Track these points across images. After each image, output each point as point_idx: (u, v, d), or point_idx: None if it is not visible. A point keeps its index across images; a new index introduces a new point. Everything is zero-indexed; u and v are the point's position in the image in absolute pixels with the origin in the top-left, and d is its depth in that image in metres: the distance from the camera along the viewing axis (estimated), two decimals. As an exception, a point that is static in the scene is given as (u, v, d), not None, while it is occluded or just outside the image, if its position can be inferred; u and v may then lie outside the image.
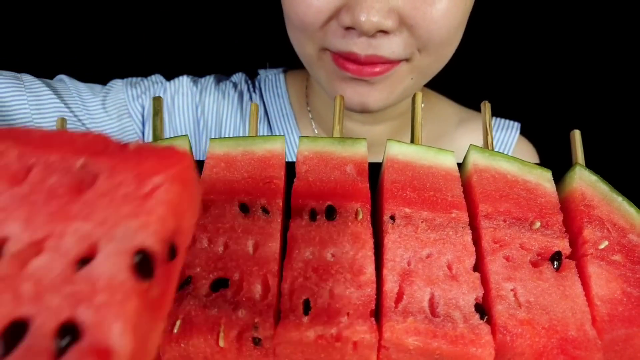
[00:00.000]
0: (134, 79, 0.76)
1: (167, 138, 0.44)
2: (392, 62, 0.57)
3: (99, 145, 0.26)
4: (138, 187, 0.24)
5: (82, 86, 0.71)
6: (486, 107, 0.48)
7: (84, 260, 0.22)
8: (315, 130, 0.78)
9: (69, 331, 0.20)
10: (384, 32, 0.54)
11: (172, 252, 0.23)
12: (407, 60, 0.58)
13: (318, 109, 0.77)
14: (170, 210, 0.23)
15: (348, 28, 0.54)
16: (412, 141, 0.46)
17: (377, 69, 0.57)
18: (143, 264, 0.22)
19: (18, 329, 0.20)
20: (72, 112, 0.68)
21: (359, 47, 0.55)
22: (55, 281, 0.22)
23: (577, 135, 0.46)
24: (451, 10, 0.55)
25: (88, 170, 0.25)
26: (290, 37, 0.63)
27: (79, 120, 0.69)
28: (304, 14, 0.56)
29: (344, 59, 0.57)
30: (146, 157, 0.25)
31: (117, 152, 0.26)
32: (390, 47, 0.55)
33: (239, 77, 0.81)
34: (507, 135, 0.78)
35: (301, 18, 0.56)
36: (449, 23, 0.55)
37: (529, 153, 0.79)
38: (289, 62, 0.81)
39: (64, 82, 0.71)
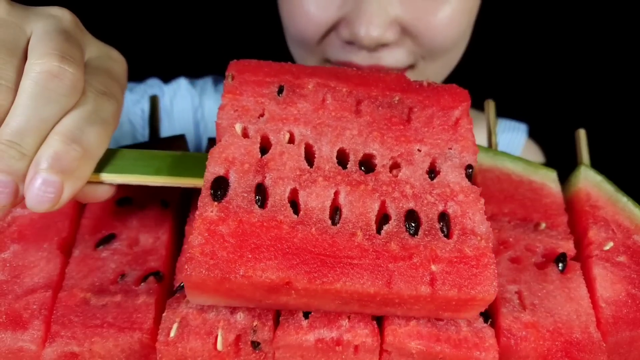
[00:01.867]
0: (131, 84, 0.75)
1: (164, 137, 0.44)
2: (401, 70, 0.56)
3: (402, 83, 0.34)
4: (446, 118, 0.32)
5: None
6: (490, 105, 0.47)
7: (431, 171, 0.31)
8: None
9: (444, 218, 0.29)
10: (385, 44, 0.52)
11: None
12: (411, 67, 0.57)
13: None
14: (472, 136, 0.32)
15: (348, 42, 0.53)
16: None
17: None
18: (471, 175, 0.30)
19: (412, 216, 0.29)
20: None
21: (360, 58, 0.53)
22: (423, 185, 0.30)
23: (582, 134, 0.46)
24: (455, 17, 0.53)
25: (403, 104, 0.33)
26: (292, 51, 0.62)
27: None
28: (303, 28, 0.54)
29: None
30: (442, 94, 0.33)
31: (418, 89, 0.33)
32: (393, 56, 0.54)
33: None
34: (515, 137, 0.77)
35: (301, 32, 0.55)
36: (453, 31, 0.54)
37: (537, 157, 0.78)
38: (288, 62, 0.80)
39: None
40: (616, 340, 0.35)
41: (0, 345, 0.32)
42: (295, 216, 0.29)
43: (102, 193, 0.33)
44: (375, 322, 0.33)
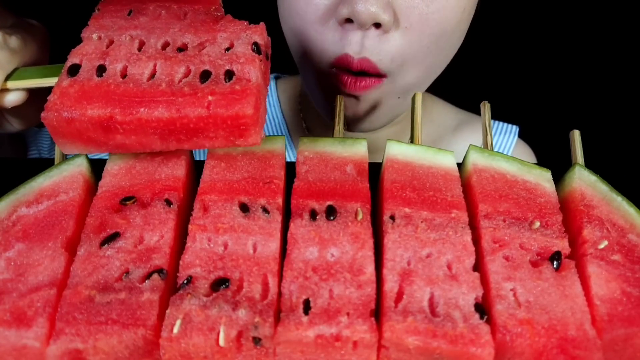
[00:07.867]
0: None
1: None
2: (379, 77, 0.57)
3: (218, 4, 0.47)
4: (245, 26, 0.44)
5: None
6: (486, 107, 0.48)
7: (228, 48, 0.42)
8: None
9: (229, 73, 0.40)
10: (379, 26, 0.53)
11: (267, 56, 0.44)
12: (386, 76, 0.57)
13: (312, 117, 0.76)
14: (263, 27, 0.44)
15: (346, 20, 0.54)
16: (411, 141, 0.46)
17: (364, 83, 0.57)
18: (258, 49, 0.42)
19: (206, 73, 0.41)
20: None
21: (353, 48, 0.55)
22: (218, 55, 0.42)
23: (576, 135, 0.46)
24: (447, 11, 0.53)
25: (214, 15, 0.46)
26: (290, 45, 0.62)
27: None
28: (303, 12, 0.56)
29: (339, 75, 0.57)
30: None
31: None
32: (379, 53, 0.55)
33: None
34: (506, 139, 0.78)
35: (301, 16, 0.56)
36: (443, 27, 0.54)
37: (527, 157, 0.78)
38: (281, 68, 0.80)
39: None
40: (611, 338, 0.35)
41: (4, 342, 0.33)
42: (122, 79, 0.40)
43: (10, 100, 0.45)
44: (373, 319, 0.33)
